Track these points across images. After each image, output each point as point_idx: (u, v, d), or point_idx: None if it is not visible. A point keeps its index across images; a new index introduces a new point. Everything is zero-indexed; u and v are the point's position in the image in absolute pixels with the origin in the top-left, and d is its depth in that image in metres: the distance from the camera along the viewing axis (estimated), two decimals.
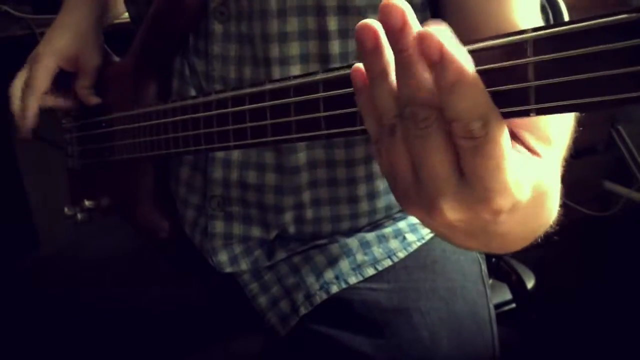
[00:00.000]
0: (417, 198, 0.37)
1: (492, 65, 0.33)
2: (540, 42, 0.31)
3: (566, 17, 0.98)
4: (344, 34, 0.62)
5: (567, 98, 0.30)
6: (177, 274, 0.79)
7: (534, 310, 1.04)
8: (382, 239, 0.72)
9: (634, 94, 0.28)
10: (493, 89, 0.33)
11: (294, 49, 0.63)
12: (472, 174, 0.34)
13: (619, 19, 0.28)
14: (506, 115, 0.33)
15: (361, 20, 0.60)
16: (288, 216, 0.70)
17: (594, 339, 1.57)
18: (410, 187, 0.37)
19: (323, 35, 0.62)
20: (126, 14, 1.10)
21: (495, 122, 0.32)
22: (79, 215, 0.86)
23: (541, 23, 0.57)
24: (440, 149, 0.34)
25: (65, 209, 0.87)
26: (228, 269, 0.73)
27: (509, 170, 0.33)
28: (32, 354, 0.72)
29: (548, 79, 0.31)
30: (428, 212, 0.37)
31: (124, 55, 0.79)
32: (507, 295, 1.03)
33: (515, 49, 0.32)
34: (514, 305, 1.02)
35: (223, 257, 0.72)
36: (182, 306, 0.77)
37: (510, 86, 0.32)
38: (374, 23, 0.34)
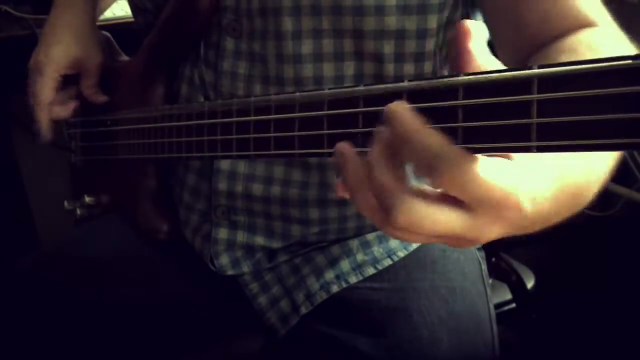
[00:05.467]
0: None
1: (496, 99, 0.33)
2: (545, 81, 0.31)
3: None
4: (359, 56, 0.62)
5: (568, 138, 0.30)
6: (176, 274, 0.78)
7: (534, 310, 1.04)
8: (382, 238, 0.72)
9: (636, 140, 0.28)
10: (495, 122, 0.33)
11: (308, 70, 0.63)
12: (470, 203, 0.35)
13: (624, 64, 0.28)
14: (507, 150, 0.33)
15: (376, 44, 0.59)
16: (294, 228, 0.70)
17: (593, 339, 1.57)
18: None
19: (338, 57, 0.62)
20: (109, 14, 1.10)
21: (446, 163, 0.33)
22: (78, 211, 0.86)
23: (605, 11, 0.57)
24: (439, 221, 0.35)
25: (65, 203, 0.87)
26: (229, 272, 0.73)
27: (497, 185, 0.33)
28: (32, 354, 0.72)
29: (550, 117, 0.31)
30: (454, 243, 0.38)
31: (131, 54, 0.79)
32: (507, 295, 1.03)
33: (521, 85, 0.32)
34: (514, 305, 1.02)
35: (224, 260, 0.72)
36: (182, 305, 0.77)
37: (513, 121, 0.32)
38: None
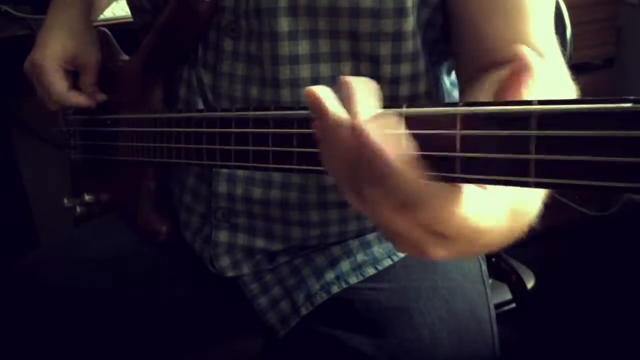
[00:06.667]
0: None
1: (492, 132, 0.32)
2: (544, 116, 0.30)
3: (566, 17, 0.98)
4: (355, 56, 0.62)
5: (565, 177, 0.30)
6: (177, 274, 0.78)
7: (534, 310, 1.04)
8: (383, 238, 0.72)
9: (631, 185, 0.28)
10: (492, 155, 0.32)
11: (305, 71, 0.63)
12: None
13: (624, 107, 0.28)
14: (504, 183, 0.32)
15: (372, 45, 0.59)
16: (295, 231, 0.70)
17: (593, 339, 1.57)
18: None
19: (335, 58, 0.62)
20: (109, 14, 1.09)
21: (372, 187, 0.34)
22: (78, 208, 0.85)
23: (556, 45, 0.57)
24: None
25: (65, 200, 0.87)
26: (230, 274, 0.72)
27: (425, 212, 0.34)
28: (32, 353, 0.72)
29: (549, 154, 0.30)
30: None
31: (131, 54, 0.79)
32: (507, 295, 1.03)
33: (519, 119, 0.31)
34: (514, 305, 1.02)
35: (225, 262, 0.72)
36: (182, 306, 0.77)
37: (511, 155, 0.31)
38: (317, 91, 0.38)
